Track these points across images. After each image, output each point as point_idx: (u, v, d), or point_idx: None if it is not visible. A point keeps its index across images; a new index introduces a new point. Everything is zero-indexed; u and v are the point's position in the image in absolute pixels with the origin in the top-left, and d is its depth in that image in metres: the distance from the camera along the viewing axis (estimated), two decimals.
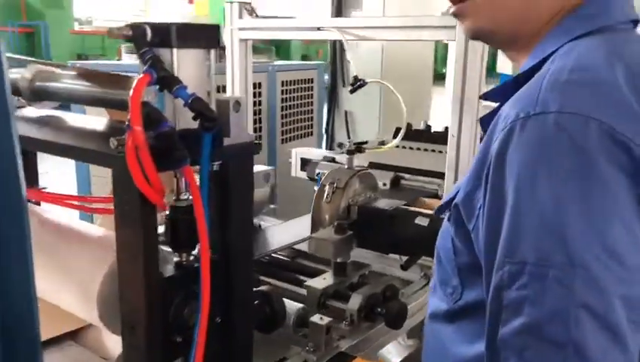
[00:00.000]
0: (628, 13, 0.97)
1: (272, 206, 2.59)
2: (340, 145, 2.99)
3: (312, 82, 4.23)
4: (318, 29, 2.09)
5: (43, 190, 1.59)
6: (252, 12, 2.28)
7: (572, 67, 0.84)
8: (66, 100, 1.40)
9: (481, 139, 1.20)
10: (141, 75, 0.97)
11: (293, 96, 4.08)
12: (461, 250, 0.98)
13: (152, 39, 1.01)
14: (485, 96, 1.17)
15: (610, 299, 0.74)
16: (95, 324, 1.28)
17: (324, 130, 4.37)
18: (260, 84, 3.72)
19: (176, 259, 1.15)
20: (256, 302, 1.40)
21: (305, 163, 2.77)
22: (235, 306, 1.22)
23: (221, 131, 1.10)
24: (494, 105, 1.02)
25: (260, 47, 4.20)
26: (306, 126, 4.27)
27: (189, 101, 0.98)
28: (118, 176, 1.03)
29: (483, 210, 0.87)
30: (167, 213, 1.14)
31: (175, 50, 1.03)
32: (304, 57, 13.72)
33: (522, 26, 0.98)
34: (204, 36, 1.07)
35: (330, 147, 4.25)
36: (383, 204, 1.76)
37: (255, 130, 3.73)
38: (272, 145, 3.91)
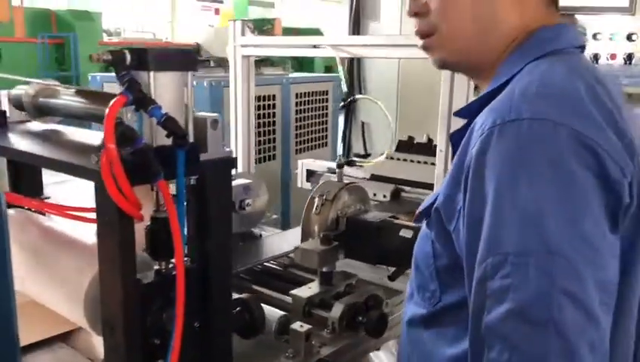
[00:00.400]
0: (577, 39, 1.05)
1: (274, 216, 2.66)
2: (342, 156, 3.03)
3: (326, 94, 4.29)
4: (314, 46, 2.16)
5: (45, 200, 1.68)
6: (254, 30, 2.36)
7: (539, 82, 0.92)
8: (64, 115, 1.49)
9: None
10: (117, 97, 1.05)
11: (308, 108, 4.14)
12: (440, 252, 1.04)
13: (130, 63, 1.09)
14: (457, 114, 1.24)
15: (586, 282, 0.81)
16: (84, 327, 1.36)
17: (340, 141, 4.43)
18: (274, 96, 3.79)
19: (156, 266, 1.22)
20: (236, 309, 1.46)
21: (310, 174, 2.83)
22: (213, 313, 1.28)
23: (197, 147, 1.17)
24: None
25: (276, 60, 4.28)
26: (320, 137, 4.33)
27: (162, 120, 1.05)
28: (99, 190, 1.10)
29: (463, 211, 0.93)
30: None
31: (152, 73, 1.10)
32: (327, 69, 13.77)
33: (482, 56, 1.07)
34: (181, 60, 1.14)
35: (347, 158, 4.30)
36: (371, 216, 1.81)
37: (269, 141, 3.80)
38: (285, 156, 3.96)
